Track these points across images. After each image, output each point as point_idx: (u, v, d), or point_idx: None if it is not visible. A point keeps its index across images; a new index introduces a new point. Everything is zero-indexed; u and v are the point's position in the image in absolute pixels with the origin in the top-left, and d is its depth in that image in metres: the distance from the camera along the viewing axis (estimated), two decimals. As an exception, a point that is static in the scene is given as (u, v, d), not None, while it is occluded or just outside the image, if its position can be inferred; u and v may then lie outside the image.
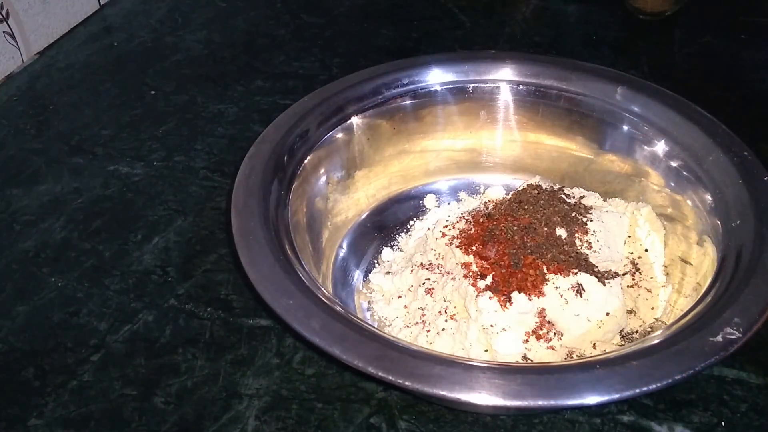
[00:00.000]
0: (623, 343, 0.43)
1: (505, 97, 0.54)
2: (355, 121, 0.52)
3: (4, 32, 0.71)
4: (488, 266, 0.45)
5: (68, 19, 0.79)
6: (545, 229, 0.45)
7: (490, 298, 0.43)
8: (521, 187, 0.51)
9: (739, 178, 0.43)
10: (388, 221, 0.54)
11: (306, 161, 0.49)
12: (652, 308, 0.46)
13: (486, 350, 0.42)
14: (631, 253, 0.49)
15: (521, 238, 0.45)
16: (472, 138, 0.56)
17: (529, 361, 0.42)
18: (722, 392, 0.42)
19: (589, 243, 0.46)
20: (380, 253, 0.53)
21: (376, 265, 0.52)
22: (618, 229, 0.49)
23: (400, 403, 0.42)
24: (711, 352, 0.34)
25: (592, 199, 0.51)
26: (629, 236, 0.49)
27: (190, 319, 0.48)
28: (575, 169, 0.54)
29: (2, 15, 0.70)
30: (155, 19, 0.82)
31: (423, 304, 0.46)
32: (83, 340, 0.46)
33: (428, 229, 0.53)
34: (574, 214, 0.47)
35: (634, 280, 0.47)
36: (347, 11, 0.83)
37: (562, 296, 0.43)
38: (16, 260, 0.52)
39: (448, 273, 0.47)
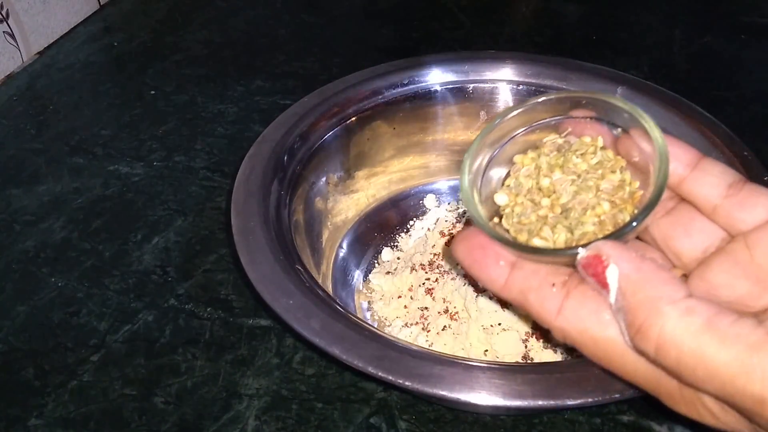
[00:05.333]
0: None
1: (505, 97, 0.54)
2: (355, 121, 0.52)
3: (4, 32, 0.71)
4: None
5: (68, 19, 0.79)
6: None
7: (490, 298, 0.43)
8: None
9: (739, 178, 0.43)
10: (388, 221, 0.54)
11: (306, 161, 0.49)
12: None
13: (486, 350, 0.42)
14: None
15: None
16: (472, 138, 0.56)
17: (529, 361, 0.42)
18: (722, 392, 0.42)
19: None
20: (380, 253, 0.53)
21: (376, 265, 0.52)
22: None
23: (400, 403, 0.42)
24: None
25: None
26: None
27: (190, 319, 0.48)
28: (575, 169, 0.54)
29: (2, 15, 0.70)
30: (155, 19, 0.82)
31: (423, 304, 0.46)
32: (83, 340, 0.46)
33: (428, 229, 0.53)
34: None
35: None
36: (347, 11, 0.83)
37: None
38: (16, 260, 0.52)
39: (448, 273, 0.47)
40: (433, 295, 0.46)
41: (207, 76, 0.72)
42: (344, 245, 0.52)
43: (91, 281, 0.51)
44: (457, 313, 0.45)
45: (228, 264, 0.52)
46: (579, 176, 0.28)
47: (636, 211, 0.27)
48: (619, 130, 0.29)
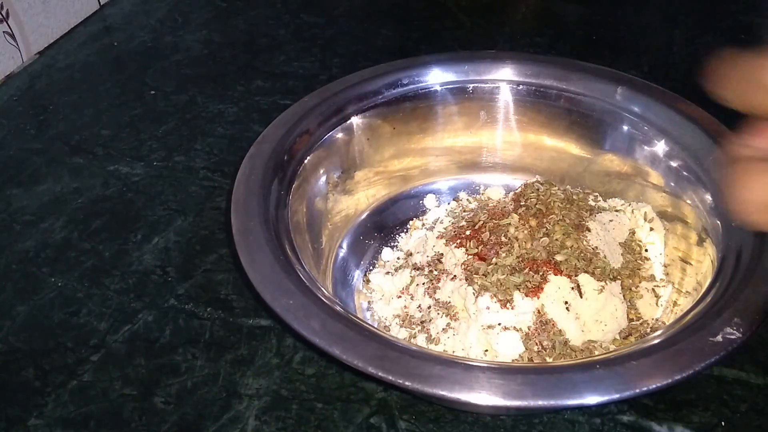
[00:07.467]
0: (623, 343, 0.43)
1: (505, 97, 0.54)
2: (355, 121, 0.52)
3: (4, 32, 0.71)
4: (488, 266, 0.45)
5: (68, 19, 0.79)
6: (545, 229, 0.45)
7: (490, 298, 0.43)
8: (521, 188, 0.51)
9: (739, 178, 0.43)
10: (388, 221, 0.54)
11: (306, 161, 0.48)
12: (652, 308, 0.46)
13: (486, 350, 0.42)
14: (631, 253, 0.49)
15: (522, 239, 0.45)
16: (472, 138, 0.56)
17: (529, 361, 0.42)
18: (722, 392, 0.42)
19: (589, 243, 0.46)
20: (380, 253, 0.53)
21: (376, 265, 0.52)
22: (618, 229, 0.49)
23: (400, 403, 0.42)
24: (711, 352, 0.34)
25: (591, 199, 0.51)
26: (629, 236, 0.49)
27: (190, 319, 0.48)
28: (575, 169, 0.54)
29: (2, 15, 0.70)
30: (155, 19, 0.82)
31: (423, 304, 0.46)
32: (83, 340, 0.46)
33: (428, 229, 0.53)
34: (574, 214, 0.47)
35: (634, 280, 0.47)
36: (347, 11, 0.83)
37: (562, 296, 0.43)
38: (16, 260, 0.52)
39: (448, 273, 0.47)
40: (433, 295, 0.46)
41: (207, 76, 0.72)
42: (344, 245, 0.52)
43: (91, 281, 0.51)
44: (457, 313, 0.45)
45: (228, 264, 0.52)
46: None
47: None
48: None
